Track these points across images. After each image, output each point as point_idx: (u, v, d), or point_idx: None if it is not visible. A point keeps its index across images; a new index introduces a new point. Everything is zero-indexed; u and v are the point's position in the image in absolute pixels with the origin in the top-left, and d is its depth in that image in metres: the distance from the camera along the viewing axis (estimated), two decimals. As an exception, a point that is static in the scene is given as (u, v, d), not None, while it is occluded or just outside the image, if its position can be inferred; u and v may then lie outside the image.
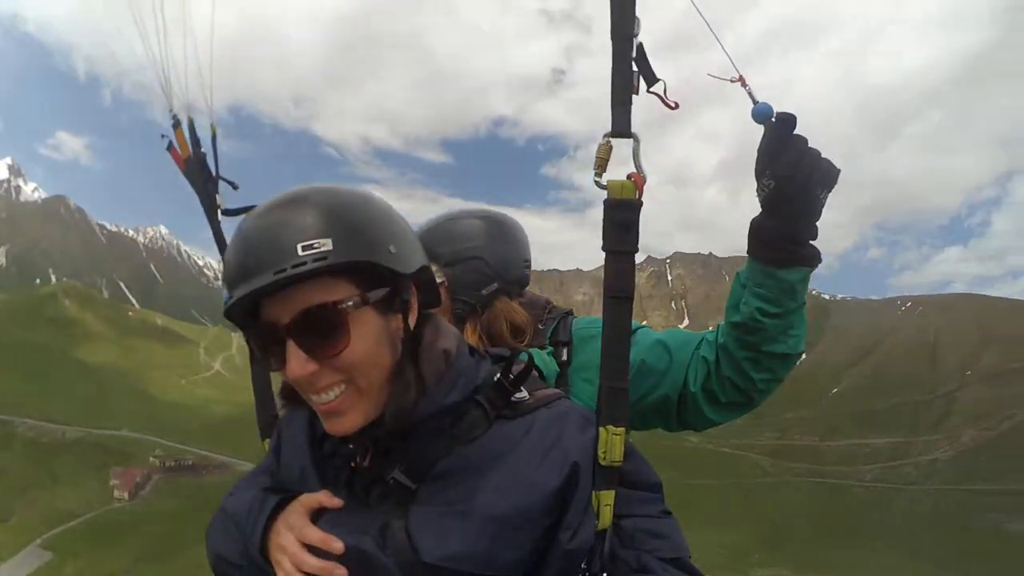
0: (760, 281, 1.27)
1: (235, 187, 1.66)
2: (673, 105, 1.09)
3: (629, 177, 1.04)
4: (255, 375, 1.50)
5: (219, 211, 1.61)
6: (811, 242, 1.23)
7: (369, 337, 0.93)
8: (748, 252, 1.28)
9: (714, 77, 1.13)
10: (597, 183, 1.05)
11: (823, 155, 1.14)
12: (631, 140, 1.04)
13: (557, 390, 1.08)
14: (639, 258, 1.11)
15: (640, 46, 1.06)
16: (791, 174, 1.12)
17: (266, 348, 0.95)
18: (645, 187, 1.03)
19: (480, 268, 1.64)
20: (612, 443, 0.98)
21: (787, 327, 1.32)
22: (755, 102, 1.12)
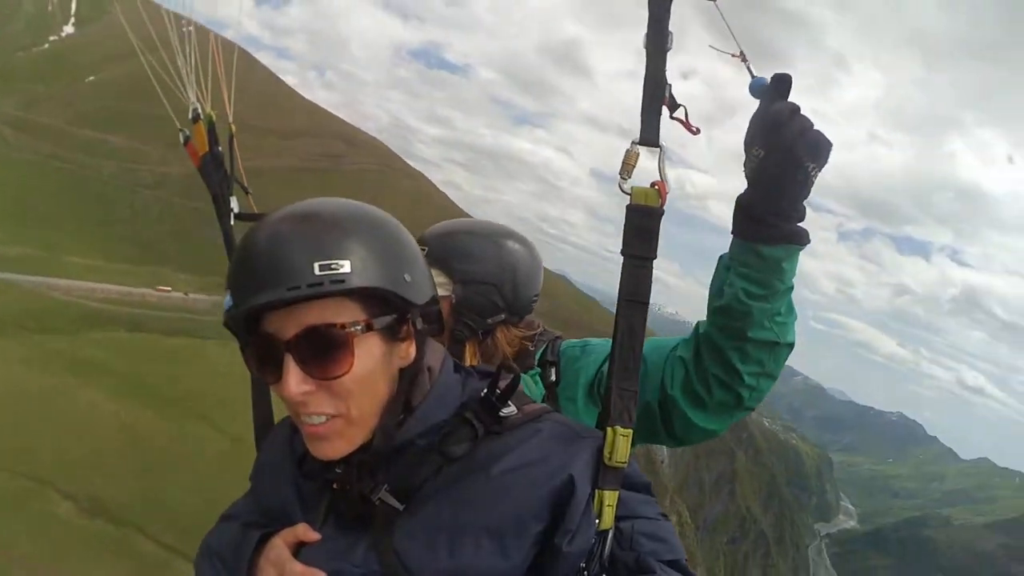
0: (745, 260, 1.21)
1: (247, 192, 1.65)
2: (695, 131, 1.12)
3: (653, 185, 1.06)
4: (255, 389, 1.43)
5: (231, 214, 1.59)
6: (798, 223, 1.18)
7: (370, 364, 0.91)
8: (733, 231, 1.23)
9: (715, 49, 1.15)
10: (622, 188, 1.06)
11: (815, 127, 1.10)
12: (657, 149, 1.07)
13: (545, 405, 1.08)
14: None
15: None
16: (779, 135, 1.08)
17: (263, 361, 0.91)
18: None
19: (492, 296, 1.59)
20: (618, 444, 0.98)
21: (773, 312, 1.24)
22: (753, 76, 1.13)
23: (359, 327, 0.89)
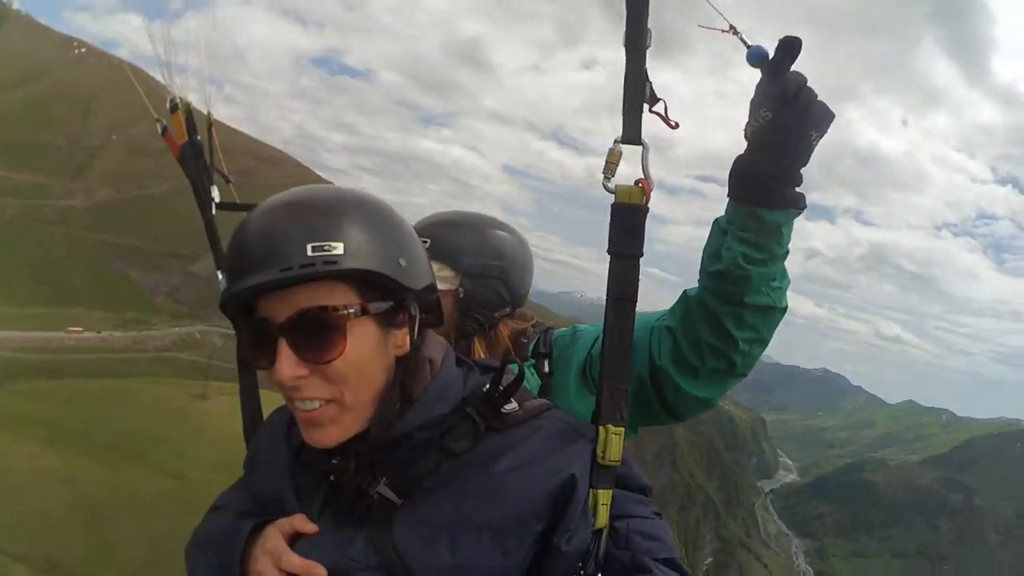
0: (744, 224, 1.19)
1: (228, 180, 1.63)
2: (674, 125, 1.09)
3: (637, 183, 1.06)
4: (243, 382, 1.43)
5: (213, 205, 1.56)
6: (796, 187, 1.18)
7: (364, 349, 0.90)
8: (731, 193, 1.21)
9: (704, 28, 1.12)
10: (606, 187, 1.07)
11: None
12: (640, 147, 1.07)
13: (546, 401, 1.08)
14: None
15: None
16: (791, 102, 1.06)
17: (256, 345, 0.91)
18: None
19: (499, 290, 1.61)
20: (611, 442, 0.98)
21: (770, 277, 1.23)
22: (748, 47, 1.09)
23: (352, 310, 0.88)
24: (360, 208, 0.93)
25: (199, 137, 1.57)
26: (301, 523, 0.96)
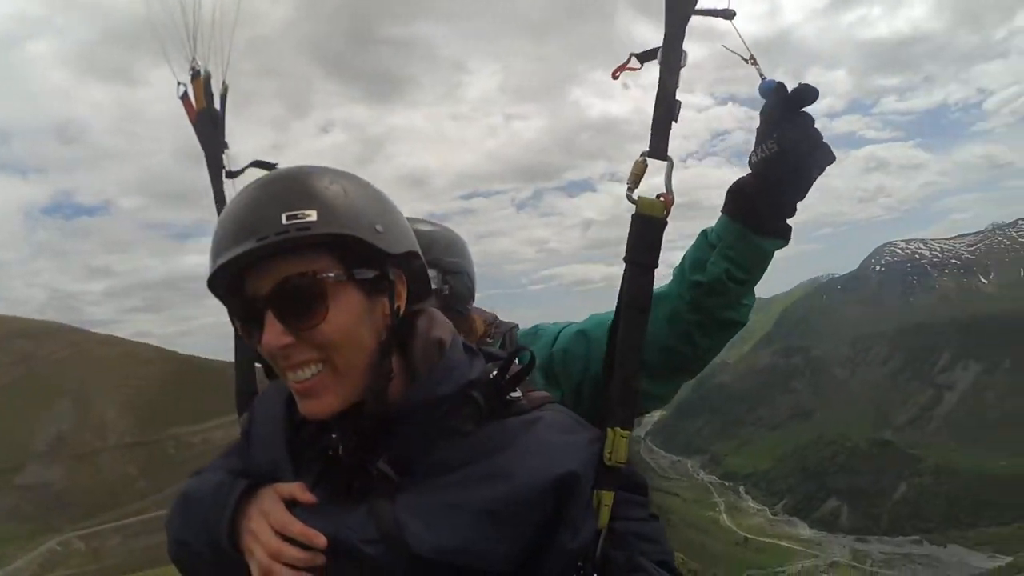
0: (733, 243, 1.23)
1: (226, 147, 1.66)
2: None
3: (659, 197, 1.07)
4: (238, 348, 1.46)
5: (223, 172, 1.61)
6: (789, 219, 1.22)
7: (349, 314, 0.91)
8: (726, 211, 1.24)
9: (729, 50, 1.16)
10: (629, 197, 1.07)
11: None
12: (665, 162, 1.08)
13: (548, 393, 1.08)
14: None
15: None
16: (800, 141, 1.11)
17: (246, 321, 0.93)
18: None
19: (468, 284, 1.70)
20: (618, 444, 0.99)
21: (743, 295, 1.29)
22: (763, 79, 1.14)
23: (332, 275, 0.89)
24: (334, 178, 0.94)
25: (216, 106, 1.61)
26: (300, 492, 0.94)
